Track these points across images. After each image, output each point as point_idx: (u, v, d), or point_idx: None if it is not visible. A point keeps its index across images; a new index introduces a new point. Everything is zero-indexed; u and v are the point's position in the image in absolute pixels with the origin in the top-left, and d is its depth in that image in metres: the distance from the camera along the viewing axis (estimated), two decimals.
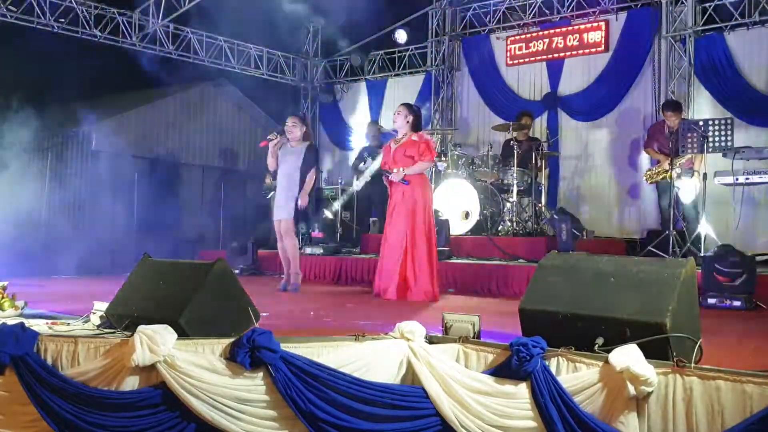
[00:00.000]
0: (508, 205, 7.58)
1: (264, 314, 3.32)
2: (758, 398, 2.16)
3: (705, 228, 5.95)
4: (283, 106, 10.48)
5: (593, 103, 8.75)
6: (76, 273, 7.11)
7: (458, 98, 10.07)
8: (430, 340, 2.78)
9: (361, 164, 8.79)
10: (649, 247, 6.35)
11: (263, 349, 2.52)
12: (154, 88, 10.04)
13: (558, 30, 9.01)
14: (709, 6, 8.08)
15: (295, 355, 2.57)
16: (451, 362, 2.64)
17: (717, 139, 5.70)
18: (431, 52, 10.15)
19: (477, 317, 2.88)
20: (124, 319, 2.99)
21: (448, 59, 10.01)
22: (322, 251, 7.56)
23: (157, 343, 2.56)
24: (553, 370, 2.48)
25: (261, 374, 2.54)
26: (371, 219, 8.70)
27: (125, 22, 9.31)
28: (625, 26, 8.55)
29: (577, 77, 8.89)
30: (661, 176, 6.63)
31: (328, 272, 7.10)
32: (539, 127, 8.98)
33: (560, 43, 8.97)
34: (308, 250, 7.35)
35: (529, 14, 9.33)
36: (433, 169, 7.64)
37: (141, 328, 2.62)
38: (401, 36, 10.08)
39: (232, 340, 2.61)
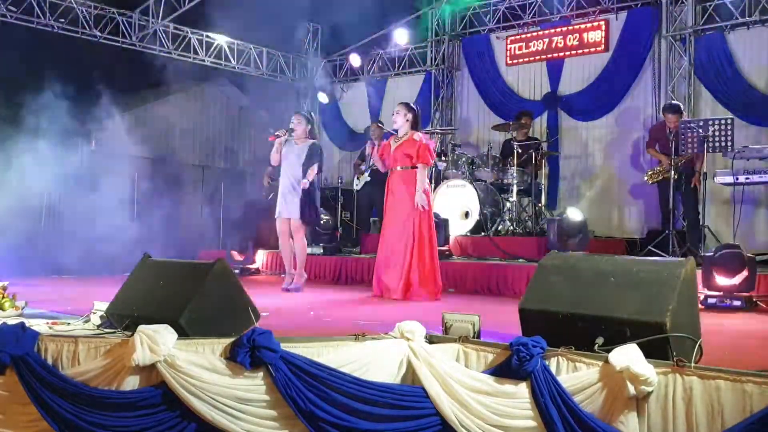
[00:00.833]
0: (508, 204, 7.59)
1: (264, 314, 3.32)
2: (758, 398, 2.16)
3: (705, 227, 5.95)
4: (283, 106, 10.47)
5: (593, 103, 8.74)
6: (78, 273, 7.11)
7: (458, 98, 10.07)
8: (430, 340, 2.78)
9: (362, 165, 8.80)
10: (650, 247, 6.35)
11: (263, 349, 2.52)
12: (155, 88, 10.04)
13: (558, 30, 9.01)
14: (710, 5, 8.07)
15: (295, 355, 2.56)
16: (451, 362, 2.64)
17: (717, 138, 5.69)
18: (431, 51, 10.15)
19: (477, 317, 2.88)
20: (124, 318, 2.99)
21: (448, 59, 10.01)
22: (322, 251, 7.57)
23: (157, 343, 2.56)
24: (553, 369, 2.48)
25: (261, 374, 2.54)
26: (372, 219, 8.71)
27: (125, 22, 9.31)
28: (625, 26, 8.54)
29: (577, 77, 8.89)
30: (661, 176, 6.63)
31: (329, 272, 7.11)
32: (539, 126, 8.98)
33: (560, 43, 8.96)
34: (308, 250, 7.36)
35: (529, 14, 9.33)
36: (433, 169, 7.64)
37: (141, 327, 2.62)
38: (401, 36, 10.07)
39: (232, 339, 2.61)
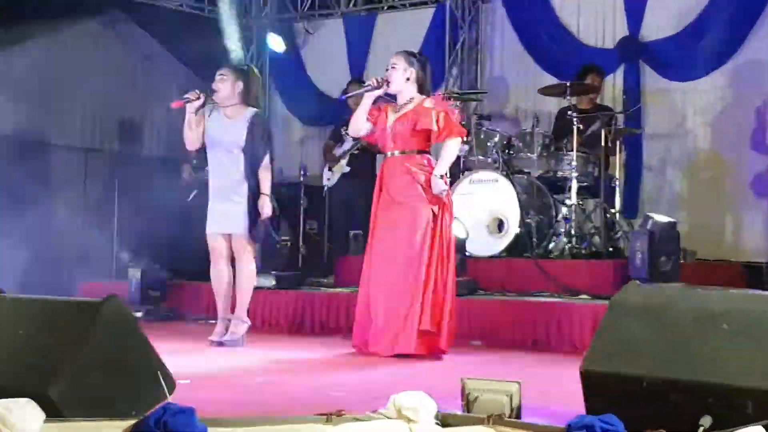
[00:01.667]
0: (564, 210, 7.61)
1: (183, 381, 3.32)
2: None
3: None
4: (214, 56, 10.45)
5: (694, 54, 8.79)
6: None
7: (487, 45, 10.09)
8: (444, 421, 2.78)
9: (338, 147, 8.78)
10: None
11: None
12: (4, 28, 9.93)
13: None
14: None
15: None
16: None
17: None
18: None
19: (516, 384, 2.89)
20: None
21: None
22: (275, 283, 7.54)
23: (13, 428, 2.54)
24: None
25: None
26: (352, 232, 8.70)
27: None
28: None
29: (669, 13, 8.94)
30: None
31: (285, 315, 7.12)
32: (611, 90, 9.01)
33: None
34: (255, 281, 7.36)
35: None
36: None
37: None
38: None
39: (132, 422, 2.60)
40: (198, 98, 5.76)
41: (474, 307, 6.32)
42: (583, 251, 7.42)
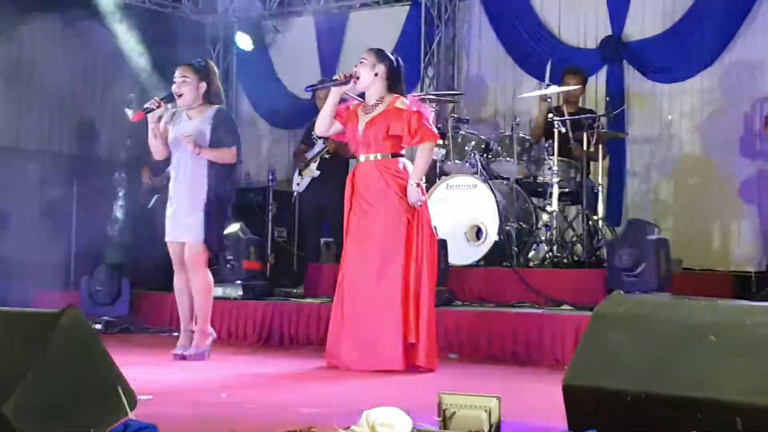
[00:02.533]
0: (545, 217, 7.63)
1: (145, 397, 3.30)
2: None
3: None
4: (177, 54, 10.41)
5: (680, 54, 8.84)
6: None
7: (464, 44, 10.12)
8: None
9: (309, 150, 8.77)
10: None
11: None
12: None
13: None
14: None
15: None
16: None
17: None
18: None
19: (495, 399, 2.89)
20: None
21: None
22: (241, 293, 7.52)
23: None
24: None
25: None
26: (323, 240, 8.69)
27: None
28: None
29: (654, 12, 8.99)
30: None
31: (253, 327, 7.09)
32: (594, 92, 9.05)
33: None
34: (219, 291, 7.32)
35: None
36: None
37: None
38: None
39: None
40: (159, 106, 5.71)
41: (451, 318, 6.32)
42: (565, 260, 7.44)
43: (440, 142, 7.75)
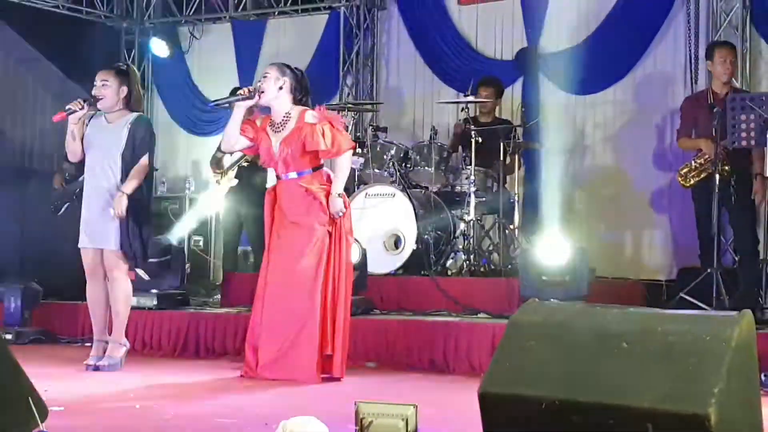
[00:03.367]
0: (463, 226, 7.69)
1: (57, 408, 3.23)
2: None
3: None
4: (91, 60, 10.25)
5: (594, 66, 8.95)
6: None
7: (383, 53, 10.13)
8: None
9: (226, 157, 8.70)
10: (682, 294, 6.56)
11: None
12: None
13: None
14: None
15: None
16: None
17: None
18: None
19: (412, 408, 2.90)
20: None
21: None
22: (156, 302, 7.41)
23: None
24: None
25: None
26: (240, 249, 8.63)
27: None
28: None
29: (569, 24, 9.09)
30: (705, 173, 6.75)
31: (168, 337, 7.01)
32: (510, 102, 9.14)
33: None
34: (133, 301, 7.21)
35: None
36: None
37: None
38: None
39: None
40: (81, 108, 5.65)
41: (369, 326, 6.32)
42: (482, 269, 7.50)
43: (359, 150, 7.81)
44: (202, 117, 10.75)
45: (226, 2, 10.72)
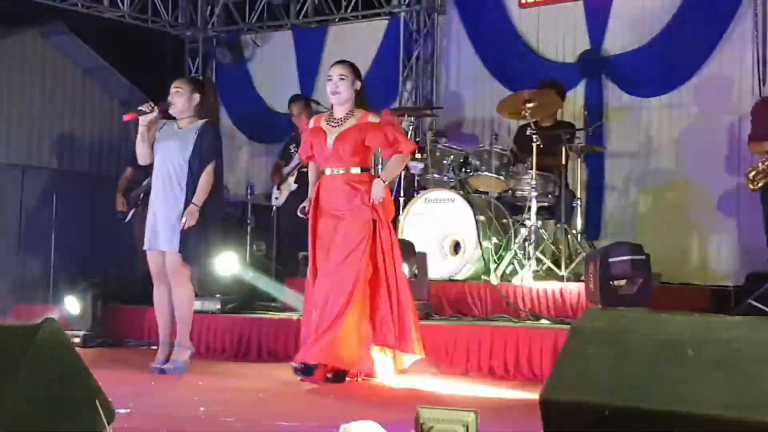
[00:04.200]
0: (524, 231, 7.64)
1: (123, 411, 3.28)
2: None
3: None
4: (157, 68, 10.39)
5: (659, 69, 8.89)
6: None
7: (443, 58, 10.14)
8: None
9: (287, 165, 8.77)
10: (751, 300, 6.48)
11: None
12: None
13: None
14: None
15: None
16: None
17: None
18: None
19: (473, 414, 2.89)
20: None
21: None
22: (219, 307, 7.49)
23: None
24: None
25: None
26: (301, 254, 8.66)
27: None
28: None
29: (632, 27, 9.04)
30: None
31: (230, 342, 7.07)
32: (573, 105, 9.09)
33: None
34: (197, 305, 7.30)
35: None
36: (403, 173, 7.64)
37: None
38: None
39: None
40: (152, 110, 5.74)
41: (429, 331, 6.30)
42: (544, 274, 7.46)
43: (418, 155, 7.81)
44: (264, 123, 10.86)
45: (286, 7, 10.81)
